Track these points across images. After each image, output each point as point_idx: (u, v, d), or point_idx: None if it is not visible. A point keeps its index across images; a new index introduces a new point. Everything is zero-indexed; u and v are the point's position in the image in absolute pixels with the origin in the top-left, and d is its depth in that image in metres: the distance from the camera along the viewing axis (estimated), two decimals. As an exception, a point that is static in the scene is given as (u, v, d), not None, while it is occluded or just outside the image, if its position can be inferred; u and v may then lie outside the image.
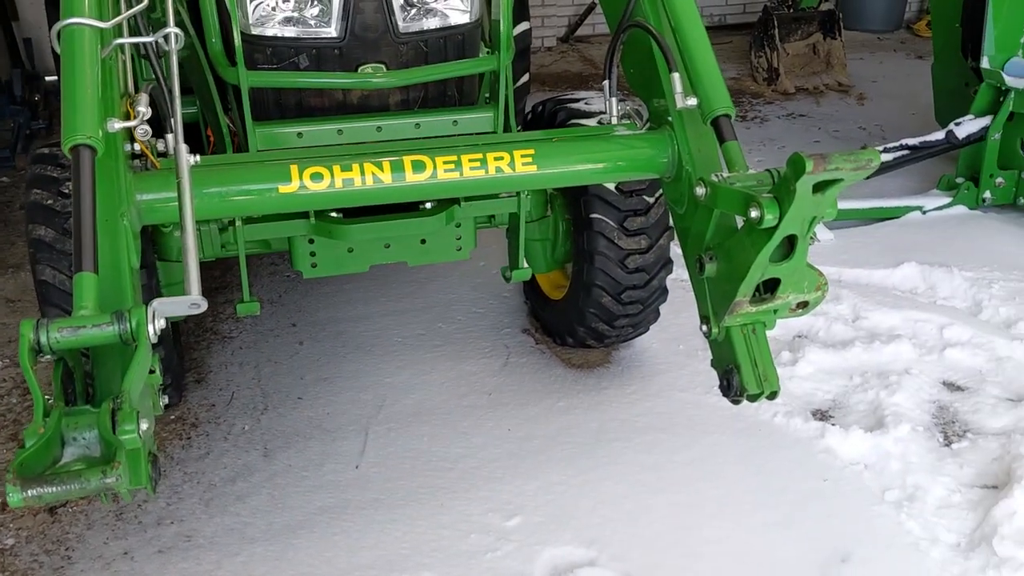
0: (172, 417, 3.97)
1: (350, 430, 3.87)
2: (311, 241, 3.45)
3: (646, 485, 3.53)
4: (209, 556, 3.23)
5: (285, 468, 3.66)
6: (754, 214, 2.34)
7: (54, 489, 1.54)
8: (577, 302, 4.02)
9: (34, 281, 3.38)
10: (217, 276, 4.99)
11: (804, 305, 2.62)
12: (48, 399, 1.86)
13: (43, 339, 1.84)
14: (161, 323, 1.92)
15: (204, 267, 4.16)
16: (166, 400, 2.22)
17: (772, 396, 2.75)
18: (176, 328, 4.28)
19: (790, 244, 2.44)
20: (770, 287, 2.56)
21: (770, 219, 2.32)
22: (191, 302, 1.97)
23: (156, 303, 1.92)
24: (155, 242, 3.74)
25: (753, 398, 2.74)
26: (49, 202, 3.28)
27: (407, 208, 3.45)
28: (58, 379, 1.93)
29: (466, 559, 3.19)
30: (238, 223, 3.28)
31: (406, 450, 3.75)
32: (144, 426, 1.75)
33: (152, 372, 2.03)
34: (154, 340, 1.91)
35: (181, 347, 4.34)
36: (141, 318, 1.88)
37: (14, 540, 3.30)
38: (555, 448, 3.76)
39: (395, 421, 3.93)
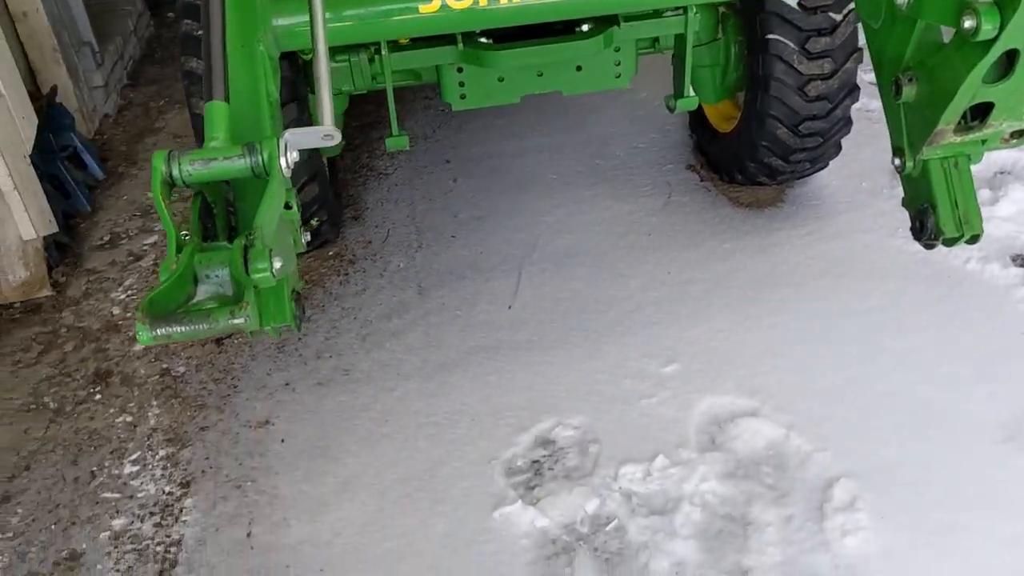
0: (330, 253, 3.99)
1: (503, 270, 3.77)
2: (460, 70, 3.25)
3: (818, 334, 3.28)
4: (366, 390, 3.26)
5: (439, 306, 3.62)
6: (968, 24, 1.94)
7: (182, 328, 1.48)
8: (749, 134, 3.68)
9: (189, 115, 3.37)
10: (371, 111, 4.89)
11: (1020, 135, 2.23)
12: (185, 235, 1.81)
13: (175, 172, 1.76)
14: (294, 155, 1.81)
15: (357, 102, 4.10)
16: (308, 237, 2.14)
17: (973, 240, 2.39)
18: (332, 164, 4.25)
19: (1009, 61, 2.04)
20: (979, 113, 2.17)
21: (988, 30, 1.92)
22: (324, 133, 1.84)
23: (288, 134, 1.80)
24: (307, 73, 3.65)
25: (950, 242, 2.40)
26: (199, 32, 3.21)
27: (561, 32, 3.18)
28: (196, 212, 1.87)
29: (620, 404, 3.08)
30: (384, 51, 3.12)
31: (560, 291, 3.63)
32: (278, 264, 1.66)
33: (288, 208, 1.94)
34: (287, 173, 1.80)
35: (337, 184, 4.32)
36: (273, 150, 1.77)
37: (185, 368, 3.44)
38: (718, 293, 3.54)
39: (549, 261, 3.80)
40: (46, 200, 3.90)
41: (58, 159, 4.40)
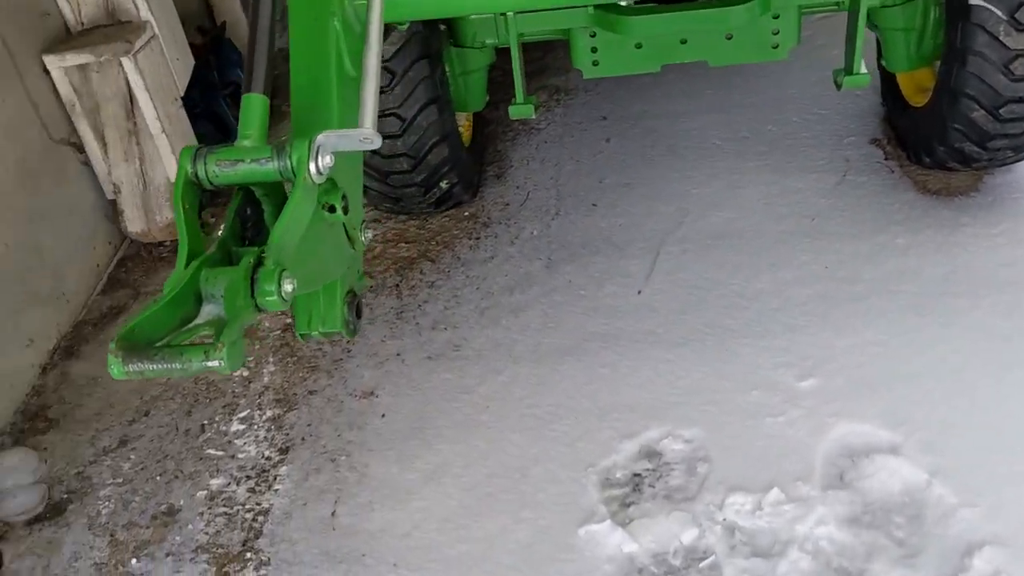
0: (465, 214, 3.83)
1: (640, 247, 3.47)
2: (592, 35, 2.94)
3: (990, 362, 2.79)
4: (473, 369, 3.10)
5: (564, 284, 3.38)
6: None
7: (155, 367, 1.35)
8: (940, 113, 3.15)
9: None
10: (534, 59, 4.64)
11: None
12: (215, 234, 1.67)
13: (200, 172, 1.62)
14: (328, 160, 1.62)
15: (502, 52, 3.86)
16: (368, 235, 1.96)
17: None
18: (479, 119, 4.05)
19: None
20: None
21: None
22: (362, 136, 1.63)
23: (321, 137, 1.61)
24: (450, 27, 3.46)
25: None
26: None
27: (712, -5, 2.80)
28: (231, 213, 1.73)
29: (741, 419, 2.76)
30: (509, 15, 2.85)
31: (698, 278, 3.29)
32: (288, 287, 1.49)
33: (332, 211, 1.76)
34: (319, 180, 1.62)
35: (483, 139, 4.12)
36: (302, 154, 1.59)
37: (303, 327, 3.41)
38: (881, 296, 3.09)
39: (692, 241, 3.46)
40: (197, 142, 3.96)
41: (220, 96, 4.46)
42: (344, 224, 1.86)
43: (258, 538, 2.71)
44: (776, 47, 2.93)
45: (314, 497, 2.79)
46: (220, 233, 1.69)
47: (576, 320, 3.21)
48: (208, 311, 1.49)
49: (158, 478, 2.96)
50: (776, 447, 2.66)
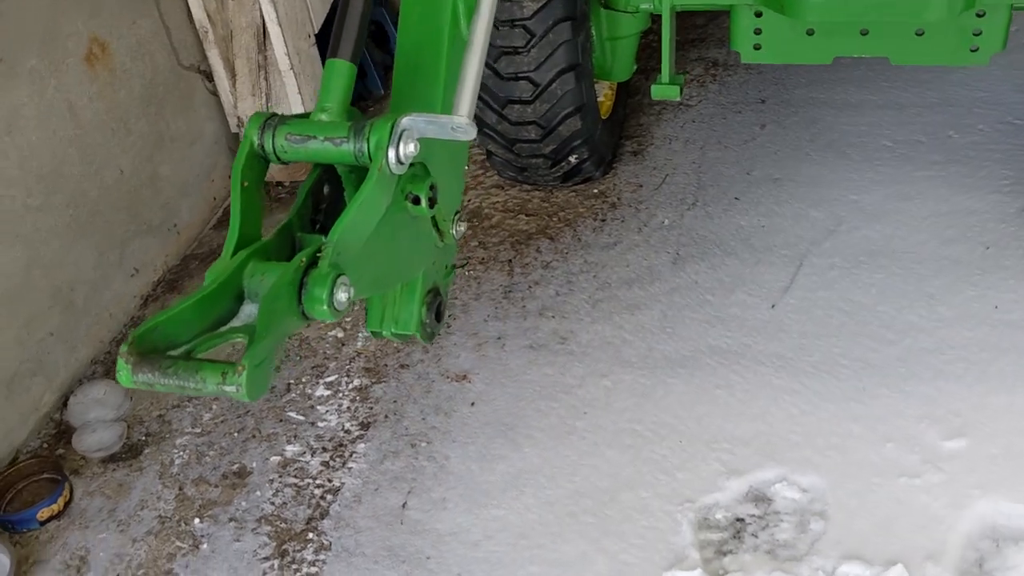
0: (595, 191, 3.54)
1: (781, 254, 3.11)
2: (758, 14, 2.57)
3: None
4: (576, 368, 2.85)
5: (689, 284, 3.06)
6: None
7: (166, 381, 1.15)
8: None
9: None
10: (696, 26, 4.26)
11: None
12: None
13: (267, 144, 1.41)
14: (411, 148, 1.38)
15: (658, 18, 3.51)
16: (462, 229, 1.71)
17: None
18: (623, 89, 3.73)
19: None
20: None
21: None
22: (454, 124, 1.38)
23: (407, 120, 1.37)
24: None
25: None
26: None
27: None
28: (303, 191, 1.52)
29: (870, 475, 2.41)
30: (660, -19, 2.52)
31: (842, 299, 2.91)
32: (343, 296, 1.27)
33: (417, 203, 1.52)
34: (399, 171, 1.38)
35: (624, 112, 3.79)
36: (382, 137, 1.35)
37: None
38: (1058, 351, 2.65)
39: (842, 256, 3.07)
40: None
41: (359, 38, 4.28)
42: (433, 216, 1.62)
43: (323, 518, 2.56)
44: (976, 50, 2.48)
45: (387, 483, 2.62)
46: (288, 215, 1.48)
47: (696, 328, 2.90)
48: (248, 312, 1.29)
49: (235, 434, 2.84)
50: (907, 515, 2.30)
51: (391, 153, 1.34)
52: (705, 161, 3.59)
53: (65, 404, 2.98)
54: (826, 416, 2.57)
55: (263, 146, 1.40)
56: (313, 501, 2.61)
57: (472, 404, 2.80)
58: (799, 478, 2.44)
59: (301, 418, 2.86)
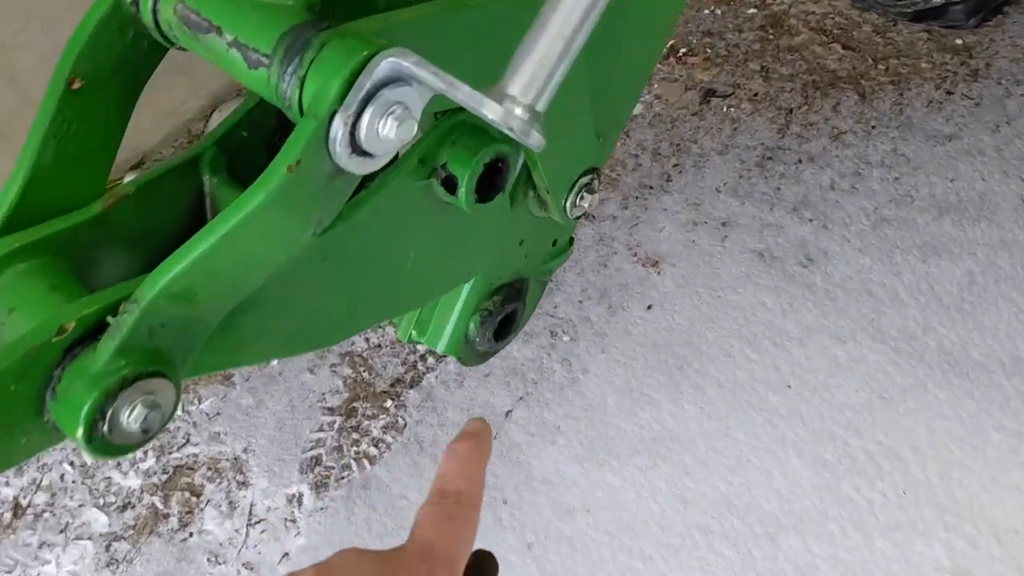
0: (955, 43, 2.39)
1: None
2: None
3: None
4: (806, 313, 1.98)
5: (1032, 248, 2.01)
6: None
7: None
8: None
9: None
10: None
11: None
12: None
13: (146, 5, 0.65)
14: (394, 128, 0.58)
15: None
16: (589, 202, 0.90)
17: None
18: None
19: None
20: None
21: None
22: (490, 109, 0.55)
23: (392, 59, 0.55)
24: None
25: None
26: None
27: None
28: (240, 114, 0.76)
29: None
30: None
31: None
32: (140, 416, 0.57)
33: (465, 190, 0.73)
34: (361, 167, 0.59)
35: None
36: (328, 86, 0.56)
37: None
38: None
39: None
40: None
41: None
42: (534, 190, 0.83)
43: (412, 387, 2.01)
44: None
45: (501, 373, 2.00)
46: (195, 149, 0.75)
47: (1018, 328, 1.91)
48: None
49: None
50: None
51: (340, 127, 0.56)
52: None
53: (209, 117, 2.53)
54: None
55: (138, 4, 0.65)
56: (410, 360, 2.05)
57: (648, 308, 2.05)
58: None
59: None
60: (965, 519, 1.67)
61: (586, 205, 0.90)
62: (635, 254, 2.13)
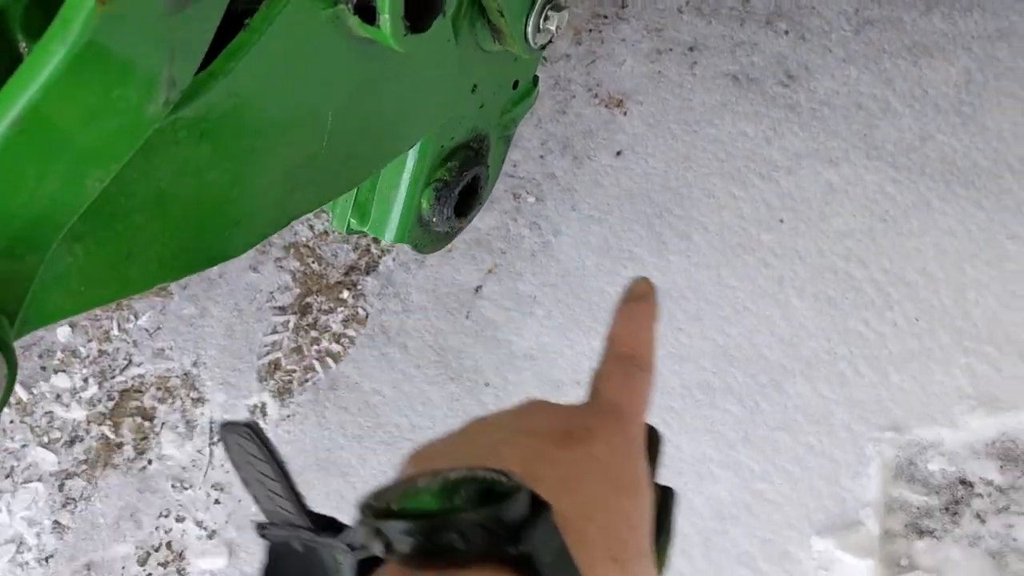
0: None
1: None
2: None
3: None
4: (790, 138, 1.79)
5: (1033, 34, 1.81)
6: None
7: None
8: None
9: None
10: None
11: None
12: None
13: None
14: None
15: None
16: (556, 24, 0.69)
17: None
18: None
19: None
20: None
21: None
22: None
23: None
24: None
25: None
26: None
27: None
28: None
29: None
30: None
31: None
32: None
33: (391, 12, 0.51)
34: None
35: None
36: None
37: None
38: None
39: None
40: None
41: None
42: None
43: (368, 272, 1.82)
44: None
45: (466, 247, 1.81)
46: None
47: None
48: None
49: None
50: None
51: None
52: None
53: None
54: None
55: None
56: (362, 243, 1.85)
57: (618, 154, 1.84)
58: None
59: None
60: (985, 341, 1.54)
61: (552, 27, 0.68)
62: (596, 95, 1.91)
